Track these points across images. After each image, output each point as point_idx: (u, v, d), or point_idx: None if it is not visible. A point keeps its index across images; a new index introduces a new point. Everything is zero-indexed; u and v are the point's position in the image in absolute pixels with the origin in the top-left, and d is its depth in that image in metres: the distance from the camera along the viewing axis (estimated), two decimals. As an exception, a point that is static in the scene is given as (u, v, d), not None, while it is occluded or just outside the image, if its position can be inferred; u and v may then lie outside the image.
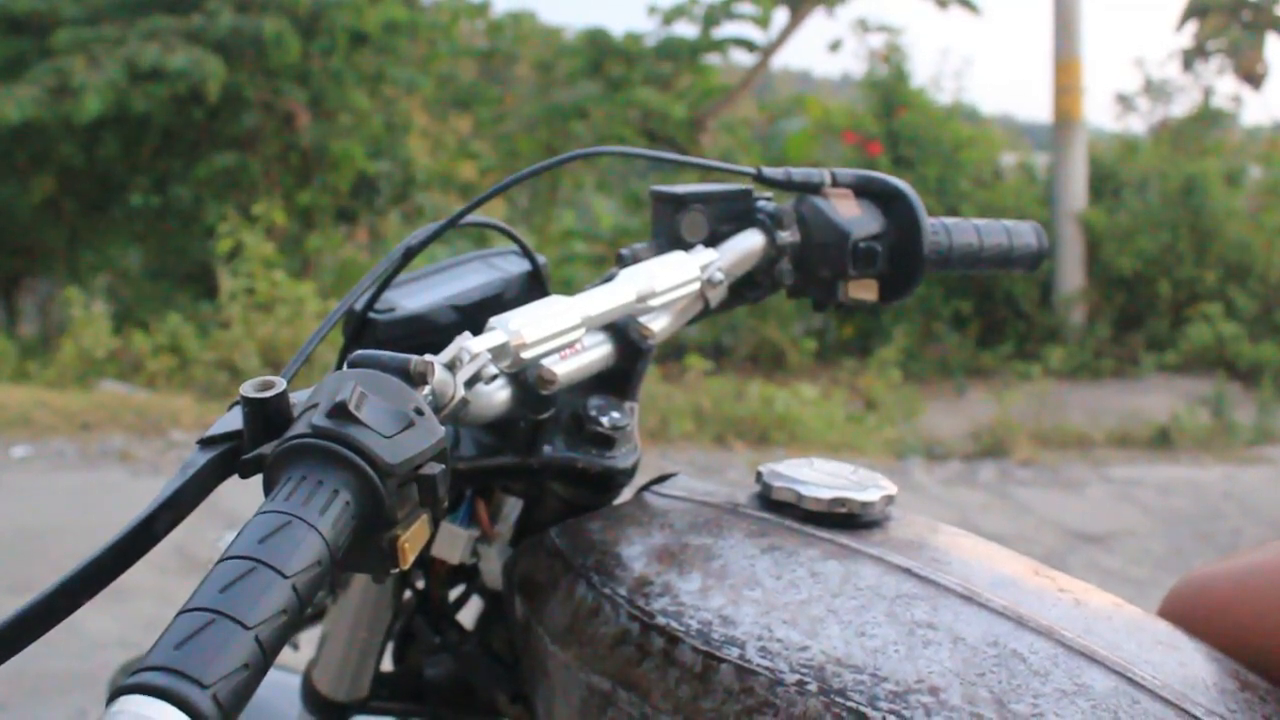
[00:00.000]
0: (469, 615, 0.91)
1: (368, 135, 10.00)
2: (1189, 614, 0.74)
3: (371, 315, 0.77)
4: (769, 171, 0.89)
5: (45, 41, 8.98)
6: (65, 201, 9.92)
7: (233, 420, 0.58)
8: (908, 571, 0.68)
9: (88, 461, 5.14)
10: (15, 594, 3.24)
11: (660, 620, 0.67)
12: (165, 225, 9.83)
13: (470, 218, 0.80)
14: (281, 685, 0.98)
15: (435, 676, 0.92)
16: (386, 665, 0.92)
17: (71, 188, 9.86)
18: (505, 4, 19.39)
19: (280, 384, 0.56)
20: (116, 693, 0.43)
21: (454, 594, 0.91)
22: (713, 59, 10.81)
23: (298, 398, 0.57)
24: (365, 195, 10.12)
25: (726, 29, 10.39)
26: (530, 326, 0.67)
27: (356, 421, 0.52)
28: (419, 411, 0.55)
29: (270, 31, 8.94)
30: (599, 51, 10.39)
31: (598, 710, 0.68)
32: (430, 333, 0.77)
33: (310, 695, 0.92)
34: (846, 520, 0.74)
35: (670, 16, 10.32)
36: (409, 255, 0.77)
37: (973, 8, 10.11)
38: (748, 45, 10.52)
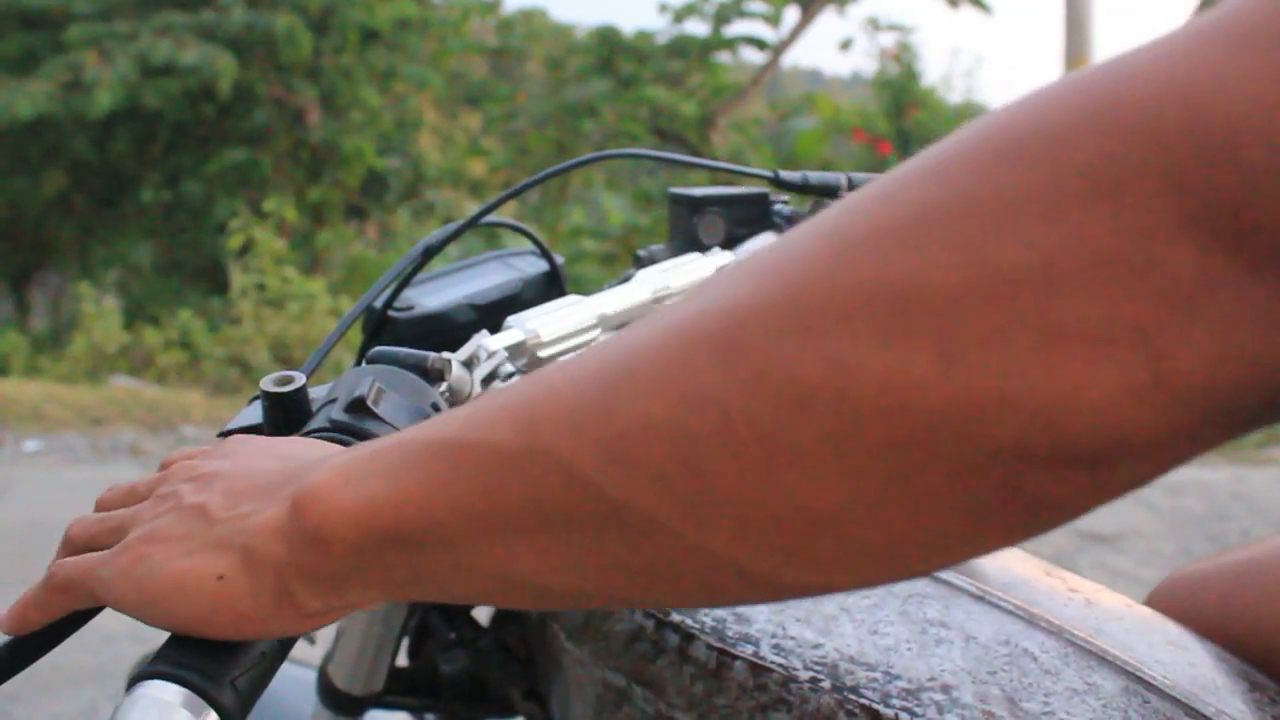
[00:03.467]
0: (484, 611, 0.92)
1: (378, 132, 10.01)
2: (1180, 608, 0.74)
3: (391, 313, 0.78)
4: (786, 175, 0.89)
5: (58, 37, 9.01)
6: (76, 196, 9.95)
7: (252, 414, 0.58)
8: (920, 570, 0.68)
9: (98, 456, 5.15)
10: (26, 588, 3.25)
11: (675, 617, 0.68)
12: (176, 221, 9.86)
13: (489, 218, 0.81)
14: (298, 679, 0.99)
15: (450, 672, 0.92)
16: (402, 660, 0.93)
17: (83, 183, 9.89)
18: (516, 1, 19.43)
19: (300, 379, 0.57)
20: (136, 677, 0.44)
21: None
22: (723, 57, 10.78)
23: (316, 393, 0.58)
24: (375, 192, 10.14)
25: (737, 27, 10.37)
26: (547, 326, 0.67)
27: (374, 416, 0.53)
28: (436, 407, 0.56)
29: (282, 28, 8.96)
30: (609, 49, 10.37)
31: (612, 706, 0.69)
32: (448, 331, 0.78)
33: (326, 689, 0.93)
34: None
35: (681, 14, 10.31)
36: (428, 254, 0.77)
37: (984, 7, 10.09)
38: (758, 43, 10.50)
